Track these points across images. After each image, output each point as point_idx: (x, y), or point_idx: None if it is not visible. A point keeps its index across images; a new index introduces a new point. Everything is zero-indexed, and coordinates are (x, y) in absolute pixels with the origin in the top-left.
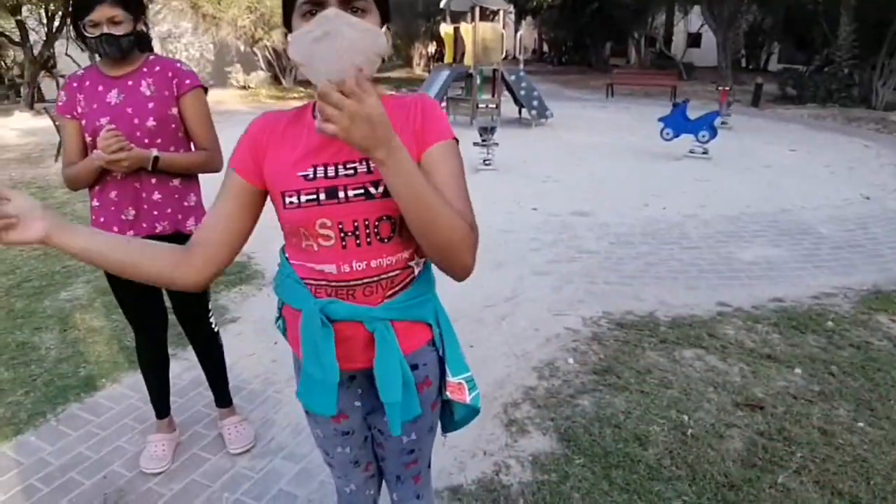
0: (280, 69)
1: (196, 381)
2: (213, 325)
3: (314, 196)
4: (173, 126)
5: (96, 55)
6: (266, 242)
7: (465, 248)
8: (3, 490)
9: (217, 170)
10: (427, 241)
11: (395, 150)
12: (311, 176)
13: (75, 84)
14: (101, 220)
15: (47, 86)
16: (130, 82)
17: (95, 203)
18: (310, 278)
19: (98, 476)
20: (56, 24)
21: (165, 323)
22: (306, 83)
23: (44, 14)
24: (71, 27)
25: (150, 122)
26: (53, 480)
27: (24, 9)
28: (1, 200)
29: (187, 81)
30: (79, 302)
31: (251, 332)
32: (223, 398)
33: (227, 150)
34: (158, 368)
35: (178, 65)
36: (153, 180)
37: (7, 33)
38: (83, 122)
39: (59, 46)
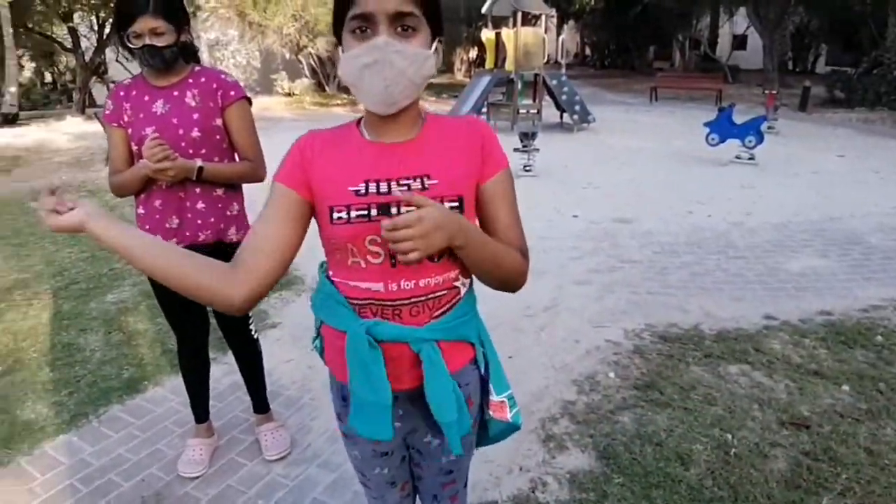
0: (324, 76)
1: (235, 385)
2: (253, 332)
3: (365, 211)
4: (217, 137)
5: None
6: (307, 248)
7: (521, 277)
8: (45, 489)
9: (261, 179)
10: (487, 279)
11: (466, 230)
12: (363, 191)
13: (122, 93)
14: (146, 227)
15: (98, 91)
16: (176, 93)
17: (141, 211)
18: (354, 297)
19: (136, 479)
20: (107, 31)
21: (207, 329)
22: (349, 89)
23: (94, 21)
24: (119, 35)
25: (195, 133)
26: (93, 481)
27: (75, 16)
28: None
29: (232, 93)
30: (124, 305)
31: (289, 338)
32: (261, 404)
33: (272, 156)
34: (199, 374)
35: (223, 76)
36: (197, 190)
37: (59, 40)
38: (129, 130)
39: (110, 53)
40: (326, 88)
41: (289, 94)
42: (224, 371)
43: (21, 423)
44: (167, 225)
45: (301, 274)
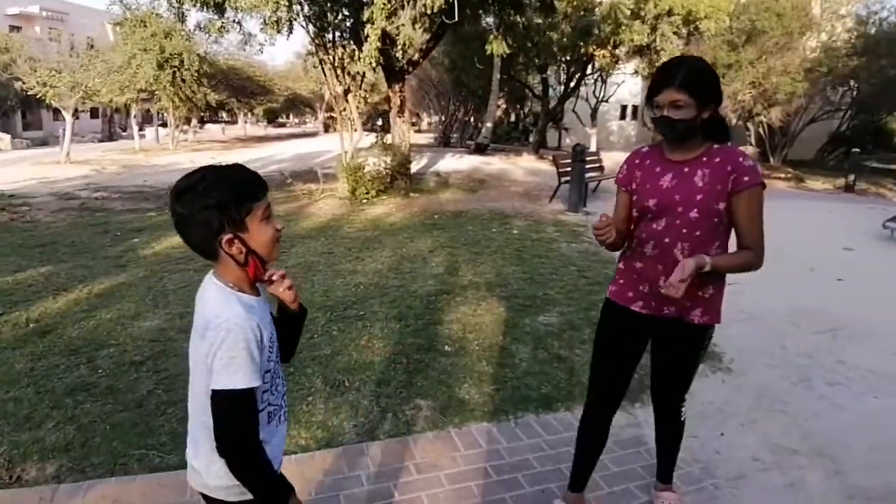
0: (771, 147)
1: (636, 440)
2: (682, 414)
3: None
4: (715, 220)
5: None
6: (726, 325)
7: None
8: (465, 462)
9: (755, 269)
10: None
11: None
12: None
13: (637, 161)
14: (621, 281)
15: (551, 135)
16: (686, 169)
17: (621, 266)
18: None
19: (537, 487)
20: (572, 83)
21: (621, 397)
22: (794, 164)
23: (563, 74)
24: (647, 103)
25: (693, 214)
26: (502, 472)
27: (549, 69)
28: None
29: (745, 178)
30: (552, 328)
31: (699, 413)
32: (665, 476)
33: None
34: (593, 442)
35: (741, 159)
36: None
37: (531, 87)
38: (635, 197)
39: (568, 103)
40: (771, 160)
41: None
42: (629, 421)
43: (456, 400)
44: (640, 287)
45: (720, 351)
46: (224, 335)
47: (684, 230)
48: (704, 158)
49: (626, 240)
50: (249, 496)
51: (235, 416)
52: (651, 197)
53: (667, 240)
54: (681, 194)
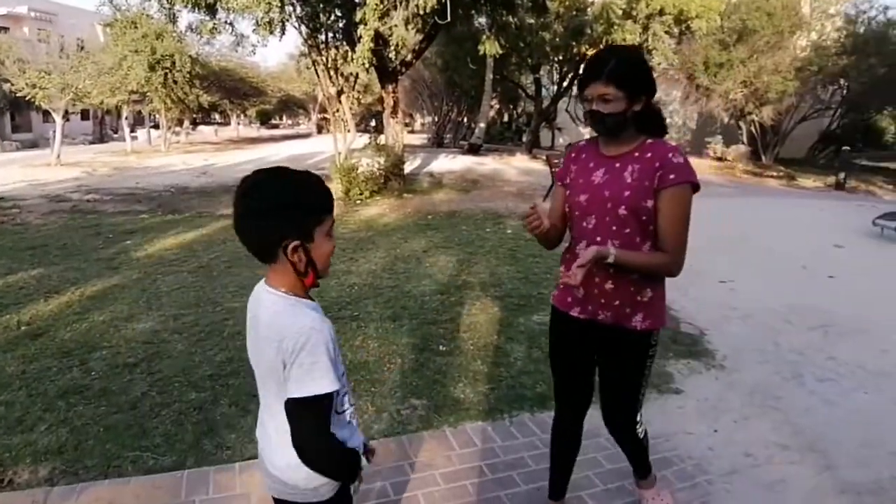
0: (762, 145)
1: None
2: (639, 432)
3: None
4: (644, 218)
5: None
6: (720, 322)
7: None
8: (460, 461)
9: (670, 275)
10: None
11: None
12: None
13: (573, 154)
14: (560, 285)
15: (544, 135)
16: (618, 164)
17: (562, 268)
18: None
19: (532, 485)
20: (565, 83)
21: (586, 404)
22: (785, 162)
23: (556, 74)
24: (578, 97)
25: (622, 211)
26: (497, 471)
27: (542, 69)
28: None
29: (671, 176)
30: (546, 327)
31: (693, 410)
32: (641, 472)
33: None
34: (565, 447)
35: (670, 155)
36: (609, 269)
37: (524, 87)
38: (568, 192)
39: (562, 102)
40: (763, 158)
41: (720, 159)
42: None
43: (451, 398)
44: (575, 291)
45: (713, 348)
46: (304, 341)
47: (614, 227)
48: (636, 153)
49: (562, 237)
50: (337, 490)
51: (317, 422)
52: (582, 192)
53: (598, 238)
54: (610, 190)
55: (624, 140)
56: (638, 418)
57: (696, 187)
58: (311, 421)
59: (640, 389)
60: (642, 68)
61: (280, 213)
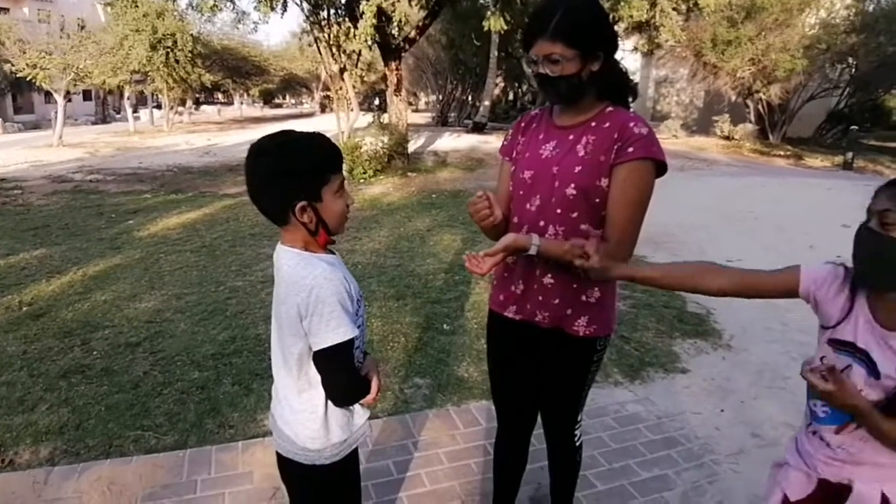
0: (770, 124)
1: (637, 417)
2: (576, 439)
3: None
4: (597, 201)
5: None
6: (726, 301)
7: None
8: (464, 440)
9: None
10: None
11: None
12: None
13: (523, 124)
14: (495, 282)
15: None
16: (571, 136)
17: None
18: None
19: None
20: None
21: (533, 423)
22: (793, 141)
23: None
24: (524, 58)
25: (570, 190)
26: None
27: None
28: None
29: (629, 150)
30: None
31: (699, 390)
32: None
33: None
34: (508, 470)
35: (631, 124)
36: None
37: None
38: (513, 168)
39: None
40: (770, 137)
41: (727, 138)
42: (629, 397)
43: (455, 377)
44: (512, 287)
45: (720, 328)
46: (317, 293)
47: (559, 210)
48: (593, 123)
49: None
50: (341, 457)
51: (343, 369)
52: (528, 168)
53: (541, 222)
54: (559, 166)
55: (582, 108)
56: (578, 418)
57: (661, 167)
58: (337, 368)
59: (581, 401)
60: (596, 19)
61: (284, 176)
